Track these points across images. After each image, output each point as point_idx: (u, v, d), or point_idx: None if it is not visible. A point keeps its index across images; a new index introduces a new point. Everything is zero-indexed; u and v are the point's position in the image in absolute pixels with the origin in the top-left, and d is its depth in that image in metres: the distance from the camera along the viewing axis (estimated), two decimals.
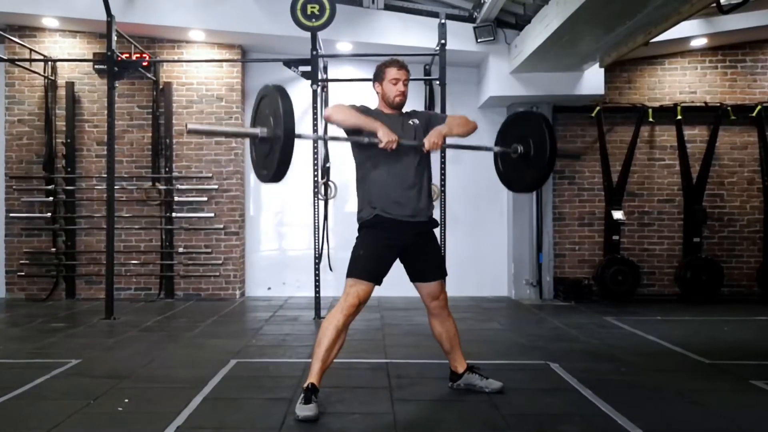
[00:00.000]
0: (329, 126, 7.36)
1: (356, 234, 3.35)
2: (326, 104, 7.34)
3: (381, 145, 3.13)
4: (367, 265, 3.21)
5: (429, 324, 3.51)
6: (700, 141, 7.59)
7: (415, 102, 7.47)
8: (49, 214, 7.31)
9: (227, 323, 5.89)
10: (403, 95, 3.34)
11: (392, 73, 3.32)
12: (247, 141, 7.89)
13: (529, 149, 3.50)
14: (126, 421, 3.06)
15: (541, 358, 4.35)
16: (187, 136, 7.44)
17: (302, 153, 7.18)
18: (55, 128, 7.38)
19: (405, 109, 3.44)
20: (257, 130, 3.00)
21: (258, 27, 7.05)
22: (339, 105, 3.28)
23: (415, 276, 3.41)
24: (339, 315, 3.14)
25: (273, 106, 2.94)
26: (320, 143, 6.75)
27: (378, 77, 3.38)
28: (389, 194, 3.23)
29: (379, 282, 3.25)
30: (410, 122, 3.37)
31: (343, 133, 3.36)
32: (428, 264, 3.38)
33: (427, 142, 3.22)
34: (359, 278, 3.20)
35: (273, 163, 2.92)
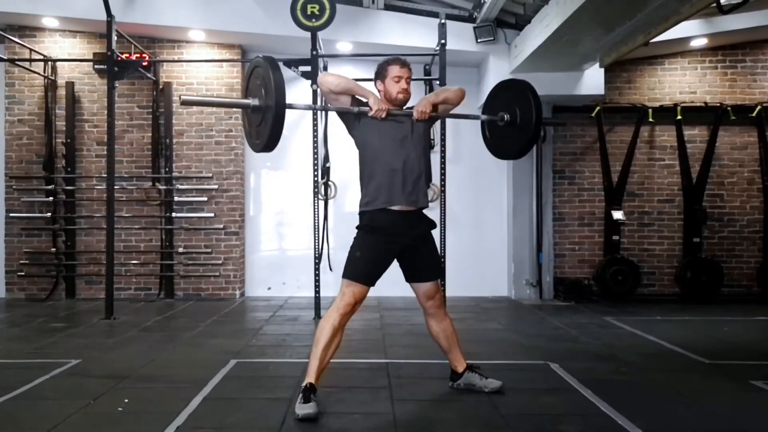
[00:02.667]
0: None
1: (355, 232, 3.35)
2: (326, 104, 7.34)
3: (371, 114, 3.17)
4: (363, 268, 3.21)
5: (426, 324, 3.51)
6: (700, 141, 7.59)
7: (414, 102, 7.48)
8: (49, 214, 7.31)
9: (227, 323, 5.89)
10: (406, 93, 3.32)
11: (395, 70, 3.31)
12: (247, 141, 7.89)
13: (516, 116, 3.51)
14: (126, 421, 3.06)
15: (541, 358, 4.35)
16: (186, 136, 7.45)
17: (302, 153, 7.22)
18: (55, 128, 7.38)
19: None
20: (249, 101, 3.06)
21: (258, 27, 7.05)
22: (333, 72, 3.32)
23: (411, 276, 3.41)
24: (335, 314, 3.15)
25: (264, 77, 3.00)
26: (320, 144, 6.75)
27: (380, 75, 3.37)
28: (387, 175, 3.21)
29: (373, 284, 3.26)
30: (406, 110, 3.37)
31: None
32: (424, 265, 3.38)
33: (416, 110, 3.27)
34: (354, 280, 3.21)
35: (265, 132, 2.99)
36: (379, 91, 3.38)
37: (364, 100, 3.23)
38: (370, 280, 3.23)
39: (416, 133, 3.33)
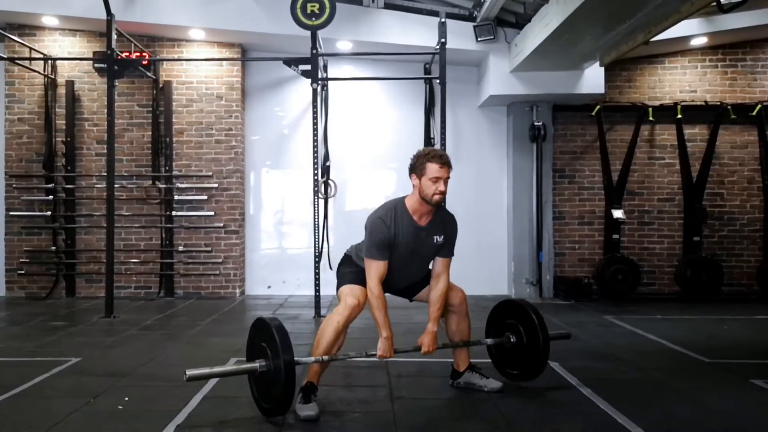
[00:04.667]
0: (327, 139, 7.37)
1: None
2: (326, 103, 7.35)
3: (377, 356, 3.13)
4: (359, 277, 3.22)
5: (445, 321, 3.47)
6: (700, 140, 7.59)
7: (415, 102, 7.49)
8: (49, 213, 7.31)
9: (227, 322, 5.89)
10: (443, 194, 3.12)
11: (434, 170, 3.08)
12: (247, 139, 7.89)
13: (521, 337, 3.49)
14: (126, 420, 3.06)
15: None
16: (186, 135, 7.45)
17: (302, 152, 7.22)
18: (55, 127, 7.38)
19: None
20: (255, 365, 2.95)
21: (258, 26, 7.05)
22: (377, 294, 3.09)
23: (411, 294, 3.46)
24: (338, 317, 3.13)
25: (269, 338, 2.91)
26: (320, 143, 6.75)
27: (417, 170, 3.13)
28: (389, 281, 3.22)
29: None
30: (435, 239, 3.22)
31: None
32: (421, 281, 3.40)
33: (424, 347, 3.22)
34: (352, 284, 3.22)
35: (276, 395, 2.87)
36: (413, 186, 3.17)
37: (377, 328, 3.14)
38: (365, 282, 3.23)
39: (433, 244, 3.25)
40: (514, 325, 3.54)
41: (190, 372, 2.85)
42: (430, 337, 3.22)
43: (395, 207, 3.19)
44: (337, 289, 3.30)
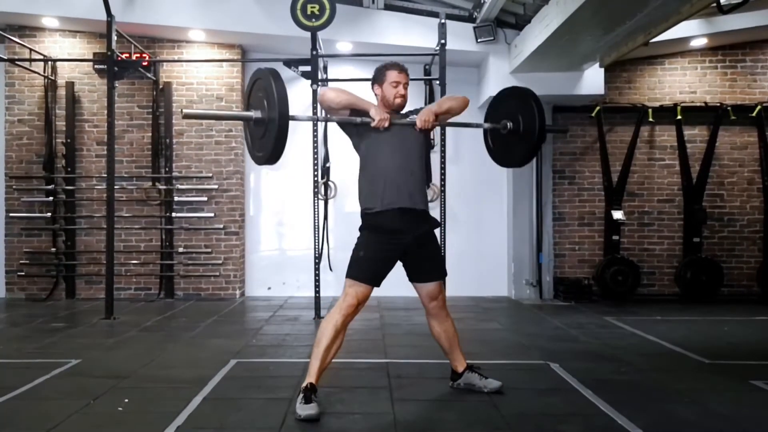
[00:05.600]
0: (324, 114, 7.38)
1: (357, 233, 3.35)
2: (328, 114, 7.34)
3: (373, 124, 3.17)
4: (367, 268, 3.21)
5: (427, 324, 3.51)
6: (700, 141, 7.59)
7: (414, 102, 7.46)
8: (49, 214, 7.31)
9: (227, 323, 5.89)
10: (404, 98, 3.33)
11: (393, 75, 3.31)
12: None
13: (519, 125, 3.50)
14: (126, 421, 3.06)
15: (541, 358, 4.35)
16: (186, 136, 7.45)
17: (302, 152, 7.21)
18: (55, 128, 7.38)
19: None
20: (251, 113, 3.02)
21: (258, 27, 7.05)
22: (333, 87, 3.26)
23: (414, 276, 3.41)
24: (337, 315, 3.15)
25: (266, 89, 2.95)
26: (320, 144, 6.76)
27: (378, 79, 3.36)
28: (388, 179, 3.23)
29: (378, 284, 3.26)
30: (408, 118, 3.38)
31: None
32: (428, 265, 3.38)
33: (419, 120, 3.27)
34: (358, 280, 3.21)
35: (268, 144, 2.94)
36: (376, 95, 3.38)
37: (366, 110, 3.22)
38: (374, 280, 3.23)
39: (416, 136, 3.34)
40: (512, 112, 3.55)
41: (186, 111, 2.95)
42: (427, 113, 3.30)
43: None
44: (348, 273, 3.25)
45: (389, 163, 3.25)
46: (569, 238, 7.68)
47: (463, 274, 7.20)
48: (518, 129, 3.50)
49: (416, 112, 3.44)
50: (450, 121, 3.53)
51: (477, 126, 3.73)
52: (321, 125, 6.99)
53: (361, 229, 3.34)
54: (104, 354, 4.52)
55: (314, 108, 6.19)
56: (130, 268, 7.38)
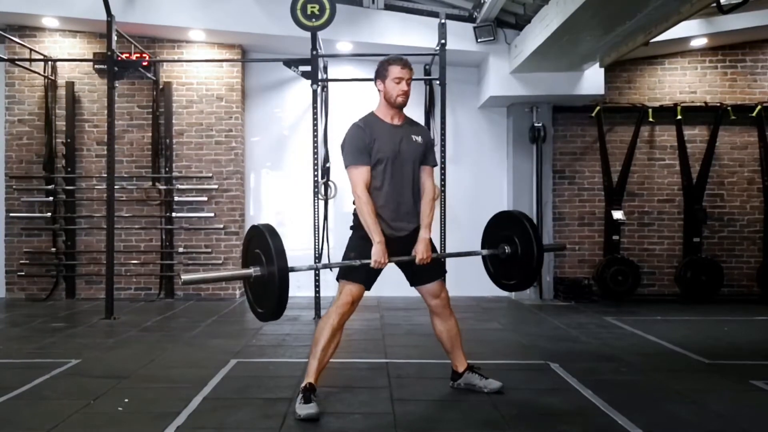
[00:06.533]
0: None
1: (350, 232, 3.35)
2: (326, 104, 7.35)
3: (371, 265, 3.12)
4: (360, 269, 3.21)
5: (431, 323, 3.51)
6: (700, 141, 7.59)
7: (414, 102, 7.46)
8: (49, 214, 7.30)
9: (227, 323, 5.89)
10: (406, 95, 3.28)
11: (396, 71, 3.26)
12: (247, 140, 7.89)
13: (516, 248, 3.49)
14: (126, 421, 3.06)
15: (541, 358, 4.35)
16: (186, 136, 7.45)
17: (302, 153, 7.22)
18: (55, 128, 7.38)
19: (406, 111, 3.42)
20: (251, 271, 2.97)
21: (258, 27, 7.05)
22: (365, 200, 3.14)
23: (414, 280, 3.42)
24: (333, 315, 3.17)
25: (263, 245, 2.92)
26: (320, 144, 6.76)
27: (380, 75, 3.32)
28: (386, 203, 3.22)
29: (368, 286, 3.27)
30: (413, 138, 3.31)
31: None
32: (425, 266, 3.35)
33: (418, 258, 3.21)
34: (350, 280, 3.22)
35: (270, 300, 2.89)
36: (378, 90, 3.34)
37: (370, 237, 3.15)
38: (365, 280, 3.24)
39: (418, 153, 3.30)
40: (509, 236, 3.55)
41: (185, 276, 2.88)
42: (424, 244, 3.24)
43: (366, 116, 3.32)
44: (338, 275, 3.27)
45: (392, 190, 3.24)
46: (569, 238, 7.68)
47: (463, 274, 7.16)
48: (516, 252, 3.49)
49: (418, 129, 3.38)
50: (450, 252, 3.50)
51: (476, 254, 3.65)
52: (321, 126, 6.99)
53: (352, 228, 3.35)
54: (104, 354, 4.52)
55: (314, 108, 6.19)
56: (130, 268, 7.38)
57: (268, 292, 2.89)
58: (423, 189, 3.35)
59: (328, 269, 6.80)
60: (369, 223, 3.14)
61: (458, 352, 3.51)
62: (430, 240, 3.29)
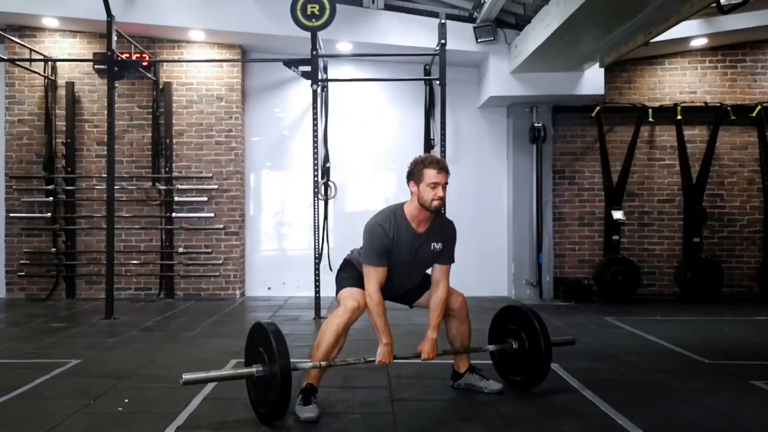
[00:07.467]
0: (327, 132, 7.39)
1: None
2: (326, 104, 7.35)
3: (376, 362, 3.12)
4: (357, 281, 3.22)
5: (445, 324, 3.47)
6: (700, 141, 7.59)
7: (415, 103, 7.49)
8: (49, 214, 7.31)
9: (227, 323, 5.89)
10: (441, 200, 3.10)
11: (431, 176, 3.07)
12: (247, 141, 7.89)
13: (524, 343, 3.46)
14: (126, 421, 3.06)
15: None
16: (186, 136, 7.45)
17: (302, 154, 7.22)
18: (55, 128, 7.38)
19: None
20: (253, 370, 2.95)
21: (258, 27, 7.05)
22: (377, 301, 3.08)
23: (411, 301, 3.46)
24: (338, 319, 3.12)
25: (266, 343, 2.92)
26: (320, 144, 6.76)
27: (414, 177, 3.13)
28: (387, 288, 3.20)
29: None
30: (432, 246, 3.22)
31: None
32: (420, 287, 3.40)
33: (424, 355, 3.22)
34: (350, 286, 3.22)
35: (272, 399, 2.86)
36: (412, 193, 3.16)
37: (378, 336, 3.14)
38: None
39: (430, 253, 3.25)
40: (516, 331, 3.52)
41: (186, 376, 2.84)
42: (430, 345, 3.22)
43: (394, 213, 3.17)
44: (336, 293, 3.30)
45: (397, 279, 3.24)
46: (569, 238, 7.68)
47: (464, 274, 7.15)
48: (524, 347, 3.46)
49: (440, 232, 3.26)
50: (456, 347, 3.45)
51: (483, 350, 3.60)
52: (321, 126, 6.99)
53: (341, 266, 3.38)
54: (104, 354, 4.52)
55: (314, 108, 6.19)
56: (130, 268, 7.38)
57: (271, 391, 2.87)
58: (435, 288, 3.29)
59: (329, 269, 6.83)
60: (378, 324, 3.11)
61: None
62: (435, 341, 3.25)
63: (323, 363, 3.07)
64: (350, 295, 3.18)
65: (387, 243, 3.11)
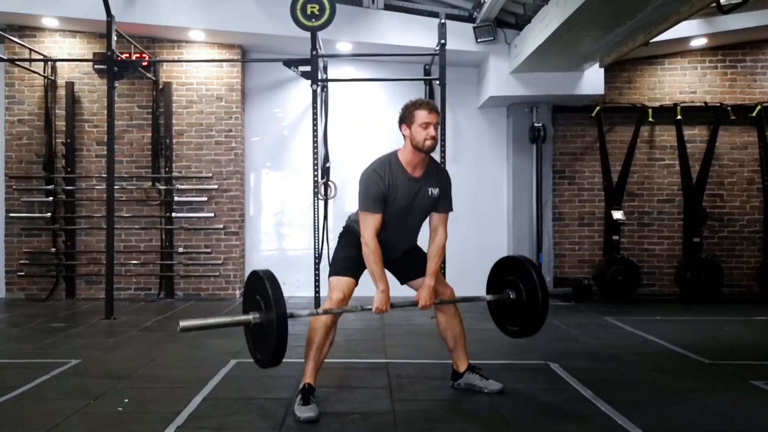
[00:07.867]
0: (328, 144, 7.39)
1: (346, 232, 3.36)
2: (326, 104, 7.35)
3: (373, 311, 3.11)
4: (350, 264, 3.24)
5: (435, 319, 3.50)
6: (700, 141, 7.59)
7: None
8: (49, 214, 7.30)
9: None
10: (434, 140, 3.15)
11: (422, 116, 3.14)
12: (247, 141, 7.89)
13: (521, 293, 3.44)
14: (126, 421, 3.06)
15: (541, 358, 4.35)
16: (186, 136, 7.45)
17: (302, 154, 7.22)
18: (55, 128, 7.38)
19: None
20: (250, 317, 2.96)
21: (258, 27, 7.05)
22: (373, 248, 3.09)
23: (403, 278, 3.45)
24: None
25: (262, 292, 2.93)
26: (320, 144, 6.76)
27: (406, 119, 3.20)
28: (384, 241, 3.19)
29: (357, 276, 3.28)
30: (429, 192, 3.26)
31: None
32: (414, 261, 3.38)
33: (421, 304, 3.21)
34: (340, 275, 3.23)
35: (269, 346, 2.87)
36: (404, 136, 3.22)
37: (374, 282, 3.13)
38: (353, 273, 3.25)
39: (428, 199, 3.27)
40: (514, 281, 3.50)
41: (183, 323, 2.83)
42: (427, 291, 3.23)
43: (389, 160, 3.22)
44: (330, 274, 3.31)
45: (393, 234, 3.23)
46: (569, 238, 7.68)
47: (464, 274, 7.18)
48: (521, 297, 3.44)
49: (437, 178, 3.32)
50: (458, 297, 3.44)
51: (480, 299, 3.60)
52: (321, 126, 6.99)
53: (345, 228, 3.37)
54: (104, 354, 4.52)
55: (314, 108, 6.19)
56: (130, 268, 7.38)
57: (267, 339, 2.87)
58: (434, 235, 3.32)
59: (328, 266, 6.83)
60: (375, 270, 3.12)
61: (460, 352, 3.51)
62: (432, 288, 3.25)
63: (319, 310, 3.11)
64: (337, 286, 3.20)
65: (383, 188, 3.14)
